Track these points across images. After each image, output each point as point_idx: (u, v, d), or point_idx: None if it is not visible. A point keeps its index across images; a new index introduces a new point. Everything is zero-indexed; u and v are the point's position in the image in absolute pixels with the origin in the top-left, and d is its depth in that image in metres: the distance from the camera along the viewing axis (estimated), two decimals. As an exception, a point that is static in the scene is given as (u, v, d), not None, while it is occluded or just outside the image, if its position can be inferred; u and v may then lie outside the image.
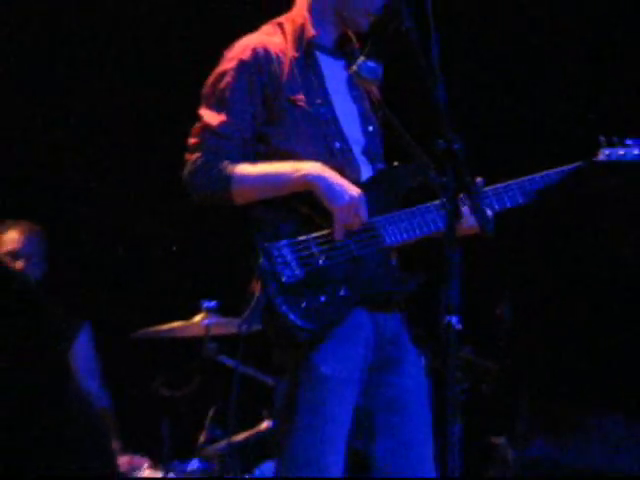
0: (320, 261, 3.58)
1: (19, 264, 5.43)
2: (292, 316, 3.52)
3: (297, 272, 3.56)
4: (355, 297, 3.58)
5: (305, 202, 3.59)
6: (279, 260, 3.55)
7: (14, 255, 5.48)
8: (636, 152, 3.89)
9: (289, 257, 3.57)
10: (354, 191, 3.59)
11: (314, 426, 3.55)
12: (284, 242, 3.57)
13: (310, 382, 3.54)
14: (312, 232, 3.59)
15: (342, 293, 3.57)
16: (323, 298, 3.55)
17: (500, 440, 4.88)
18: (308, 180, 3.57)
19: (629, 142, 3.93)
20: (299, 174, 3.58)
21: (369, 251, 3.64)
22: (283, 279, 3.54)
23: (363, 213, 3.60)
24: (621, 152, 3.87)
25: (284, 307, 3.52)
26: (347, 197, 3.58)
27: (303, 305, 3.53)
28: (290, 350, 3.58)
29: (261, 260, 3.55)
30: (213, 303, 4.93)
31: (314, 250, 3.58)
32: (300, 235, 3.59)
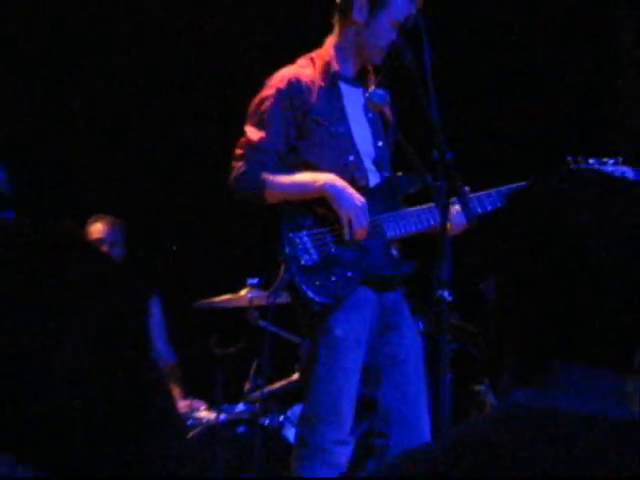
0: (332, 249, 3.60)
1: (104, 248, 5.43)
2: (309, 291, 3.55)
3: (314, 257, 3.57)
4: (360, 278, 3.59)
5: (321, 204, 3.61)
6: (300, 247, 3.57)
7: (100, 242, 5.49)
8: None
9: (308, 245, 3.58)
10: (358, 201, 3.60)
11: (331, 376, 3.57)
12: (304, 233, 3.59)
13: (327, 342, 3.57)
14: (326, 226, 3.60)
15: (349, 275, 3.58)
16: (334, 278, 3.56)
17: (480, 387, 4.87)
18: (324, 189, 3.60)
19: (591, 161, 3.88)
20: (317, 184, 3.60)
21: (373, 242, 3.65)
22: (302, 262, 3.56)
23: (365, 218, 3.60)
24: None
25: (303, 284, 3.54)
26: (352, 205, 3.59)
27: (317, 283, 3.55)
28: (310, 317, 3.59)
29: (286, 246, 3.56)
30: (255, 280, 4.93)
31: (328, 240, 3.60)
32: (317, 228, 3.60)
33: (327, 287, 3.57)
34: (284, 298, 3.78)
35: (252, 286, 4.94)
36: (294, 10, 5.84)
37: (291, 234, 3.60)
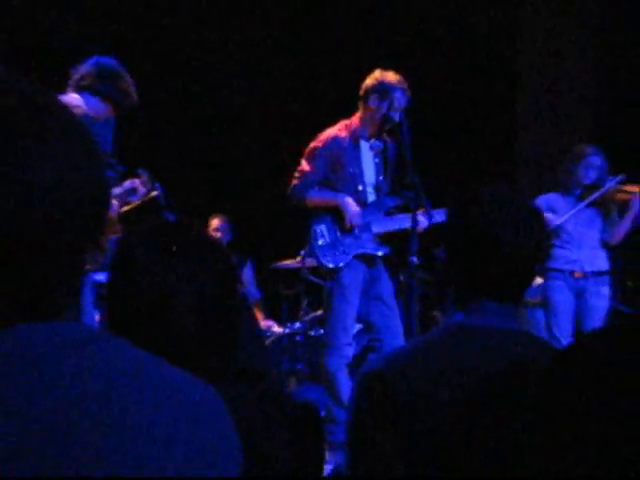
0: (338, 236, 3.64)
1: (217, 235, 5.44)
2: (322, 259, 3.61)
3: (327, 240, 3.63)
4: (353, 253, 3.64)
5: (335, 211, 3.67)
6: (319, 233, 3.63)
7: (215, 231, 5.50)
8: None
9: (325, 232, 3.64)
10: (356, 209, 3.63)
11: (340, 307, 3.60)
12: (323, 225, 3.66)
13: (337, 287, 3.62)
14: (336, 223, 3.66)
15: (347, 251, 3.62)
16: (337, 253, 3.64)
17: (437, 313, 4.81)
18: (339, 202, 3.64)
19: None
20: (336, 200, 3.65)
21: (363, 234, 3.70)
22: (319, 242, 3.61)
23: (359, 219, 3.64)
24: None
25: (320, 255, 3.60)
26: (352, 211, 3.63)
27: (327, 255, 3.61)
28: (327, 273, 3.63)
29: (311, 232, 3.63)
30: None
31: (337, 230, 3.64)
32: (331, 224, 3.68)
33: (333, 257, 3.62)
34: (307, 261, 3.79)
35: (303, 255, 4.92)
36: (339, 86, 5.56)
37: (315, 225, 3.68)
